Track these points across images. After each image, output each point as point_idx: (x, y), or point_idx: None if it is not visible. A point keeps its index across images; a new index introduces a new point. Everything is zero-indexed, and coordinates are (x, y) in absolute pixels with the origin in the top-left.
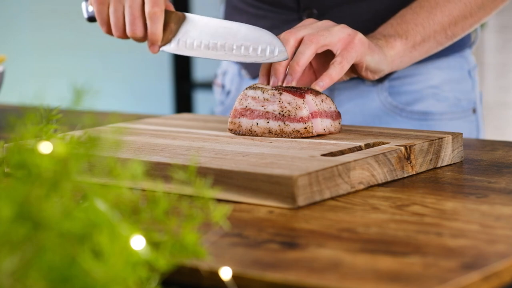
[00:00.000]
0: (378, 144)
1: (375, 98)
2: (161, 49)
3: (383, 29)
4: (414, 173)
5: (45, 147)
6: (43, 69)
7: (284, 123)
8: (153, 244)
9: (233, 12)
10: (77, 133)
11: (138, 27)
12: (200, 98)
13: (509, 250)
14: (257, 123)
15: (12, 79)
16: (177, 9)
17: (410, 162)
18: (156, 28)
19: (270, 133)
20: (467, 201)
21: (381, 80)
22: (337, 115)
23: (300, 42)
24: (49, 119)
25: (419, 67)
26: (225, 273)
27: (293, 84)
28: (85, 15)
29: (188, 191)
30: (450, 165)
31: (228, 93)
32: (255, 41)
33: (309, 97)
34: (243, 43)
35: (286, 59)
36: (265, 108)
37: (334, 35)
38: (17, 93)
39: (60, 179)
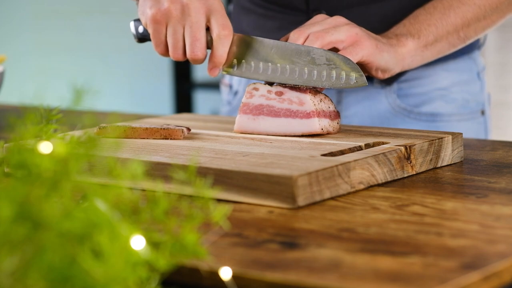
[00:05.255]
0: (378, 144)
1: (383, 100)
2: (221, 72)
3: (395, 29)
4: (414, 173)
5: (45, 147)
6: (43, 69)
7: None
8: (153, 244)
9: (241, 12)
10: (77, 133)
11: (199, 50)
12: (200, 98)
13: (509, 250)
14: None
15: (12, 79)
16: None
17: (410, 162)
18: (224, 51)
19: None
20: (467, 201)
21: (389, 82)
22: (336, 115)
23: None
24: (49, 119)
25: (427, 69)
26: (225, 273)
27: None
28: (135, 36)
29: (188, 191)
30: (450, 165)
31: (236, 93)
32: (329, 66)
33: (307, 96)
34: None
35: (365, 85)
36: None
37: (341, 32)
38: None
39: (60, 179)
